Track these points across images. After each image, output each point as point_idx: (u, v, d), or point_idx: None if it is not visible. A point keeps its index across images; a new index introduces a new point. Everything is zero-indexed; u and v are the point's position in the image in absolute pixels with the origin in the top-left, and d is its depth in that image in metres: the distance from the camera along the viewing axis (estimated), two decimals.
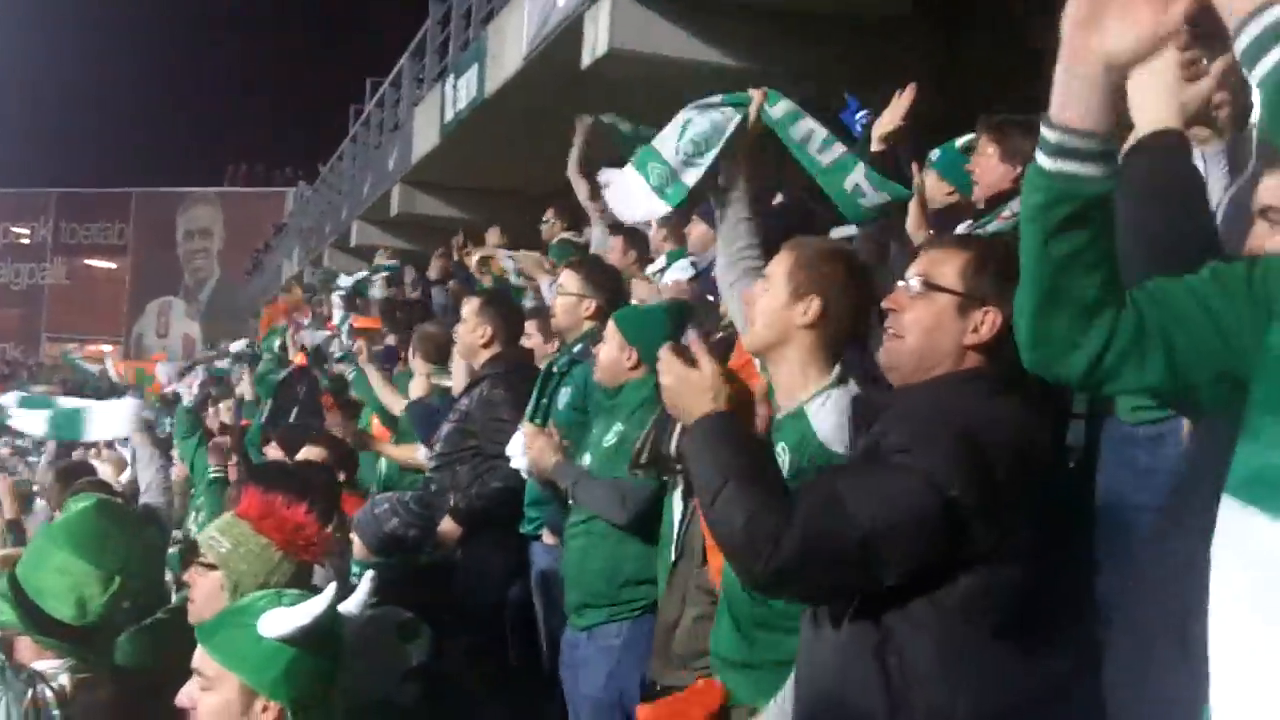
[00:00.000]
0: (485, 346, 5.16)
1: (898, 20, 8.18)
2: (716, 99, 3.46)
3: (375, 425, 7.00)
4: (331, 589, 2.49)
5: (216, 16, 50.85)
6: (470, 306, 5.30)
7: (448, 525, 4.89)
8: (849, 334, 2.95)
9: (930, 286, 2.43)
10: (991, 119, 4.21)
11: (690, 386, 2.42)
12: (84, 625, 3.02)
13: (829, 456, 2.73)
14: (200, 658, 2.47)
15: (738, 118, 3.41)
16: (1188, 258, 1.83)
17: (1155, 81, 2.24)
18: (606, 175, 3.68)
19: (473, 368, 5.35)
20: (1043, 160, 1.64)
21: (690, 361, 2.44)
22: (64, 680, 2.91)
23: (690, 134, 3.42)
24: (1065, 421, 3.23)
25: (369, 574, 2.87)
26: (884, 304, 2.53)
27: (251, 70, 50.07)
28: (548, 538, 4.68)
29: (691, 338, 2.64)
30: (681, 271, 5.82)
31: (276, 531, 2.96)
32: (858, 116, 4.73)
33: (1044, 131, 1.64)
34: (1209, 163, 3.28)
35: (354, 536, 4.51)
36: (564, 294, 4.96)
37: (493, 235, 10.60)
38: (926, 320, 2.42)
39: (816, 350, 2.87)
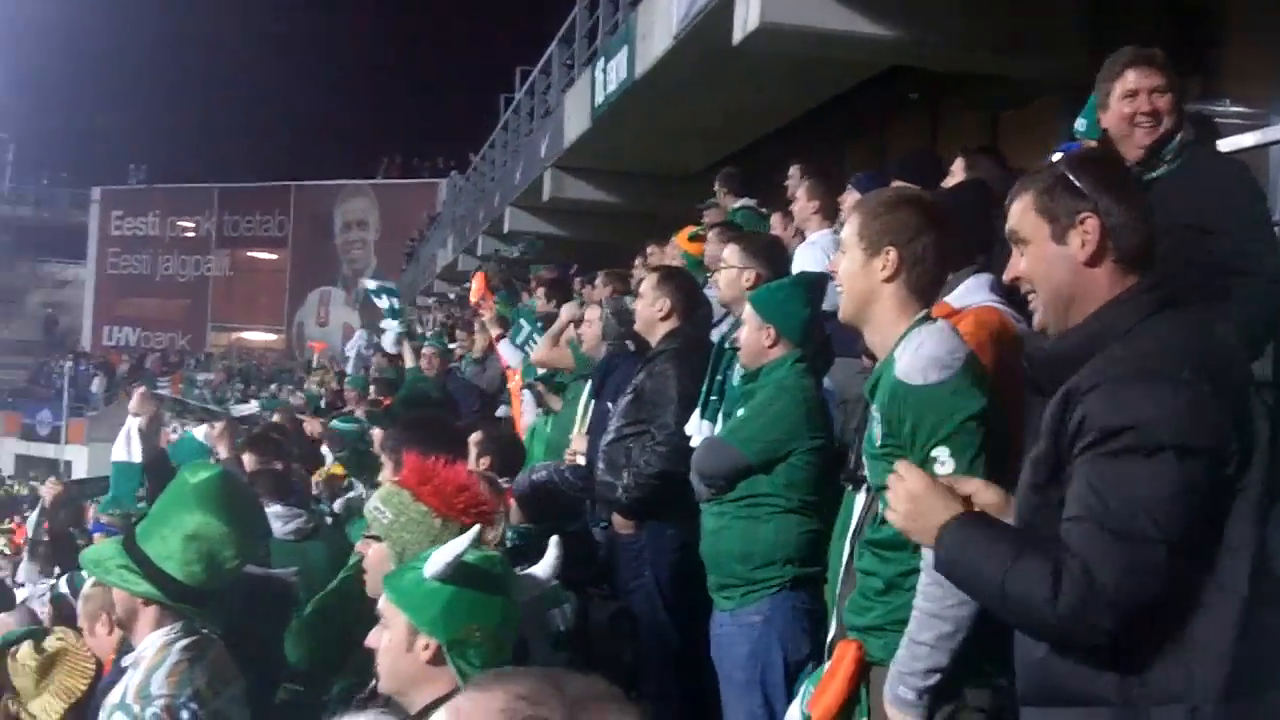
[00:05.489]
0: (663, 320, 5.03)
1: None
2: None
3: None
4: (475, 529, 2.62)
5: (365, 15, 52.09)
6: (649, 280, 5.18)
7: (619, 520, 4.94)
8: (934, 276, 2.88)
9: (1017, 240, 2.39)
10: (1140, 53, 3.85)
11: (934, 497, 2.36)
12: (205, 587, 3.16)
13: (906, 390, 2.68)
14: (382, 601, 2.63)
15: None
16: None
17: None
18: None
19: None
20: None
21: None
22: (199, 684, 3.01)
23: None
24: None
25: (555, 539, 2.93)
26: (1004, 277, 2.48)
27: (402, 65, 51.24)
28: None
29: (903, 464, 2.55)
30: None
31: (434, 498, 2.99)
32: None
33: None
34: None
35: (511, 502, 4.50)
36: (726, 267, 4.90)
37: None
38: (1038, 265, 2.35)
39: (903, 302, 2.83)
